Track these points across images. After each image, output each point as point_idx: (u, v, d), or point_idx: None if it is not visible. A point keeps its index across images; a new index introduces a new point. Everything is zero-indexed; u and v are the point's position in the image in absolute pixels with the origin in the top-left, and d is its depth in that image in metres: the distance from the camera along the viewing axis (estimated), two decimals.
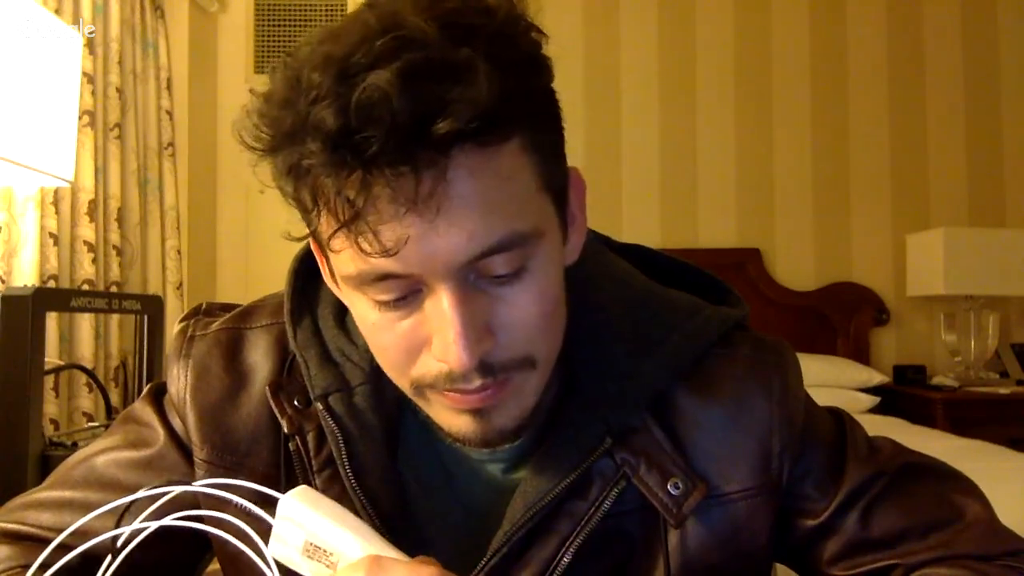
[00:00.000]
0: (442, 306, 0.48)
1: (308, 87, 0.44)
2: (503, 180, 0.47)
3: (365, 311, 0.51)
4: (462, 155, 0.44)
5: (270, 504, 0.45)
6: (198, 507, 0.58)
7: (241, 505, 0.45)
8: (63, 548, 0.45)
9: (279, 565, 0.43)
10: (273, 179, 0.50)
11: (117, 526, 0.44)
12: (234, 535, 0.43)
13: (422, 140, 0.43)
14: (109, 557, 0.44)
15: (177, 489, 0.45)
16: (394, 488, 0.58)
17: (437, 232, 0.45)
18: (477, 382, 0.50)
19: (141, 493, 0.45)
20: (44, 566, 0.60)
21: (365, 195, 0.44)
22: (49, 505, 0.64)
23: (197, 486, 0.45)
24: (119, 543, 0.44)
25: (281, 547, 0.44)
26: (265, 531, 0.44)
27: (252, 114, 0.48)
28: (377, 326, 0.51)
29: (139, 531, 0.44)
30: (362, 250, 0.45)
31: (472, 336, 0.48)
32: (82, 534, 0.46)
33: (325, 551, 0.43)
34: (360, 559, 0.42)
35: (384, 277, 0.47)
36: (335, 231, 0.46)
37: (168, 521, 0.44)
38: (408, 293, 0.49)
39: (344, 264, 0.49)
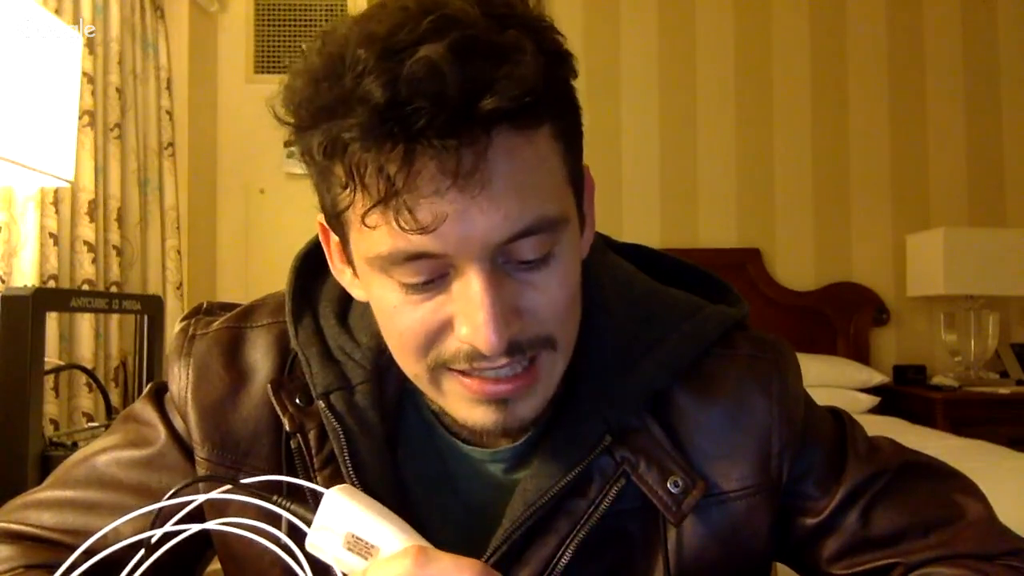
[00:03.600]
0: (472, 288, 0.48)
1: (353, 62, 0.44)
2: (537, 163, 0.48)
3: (386, 295, 0.51)
4: (501, 135, 0.45)
5: (273, 501, 0.45)
6: (200, 507, 0.58)
7: (248, 503, 0.46)
8: (73, 550, 0.46)
9: (288, 565, 0.43)
10: (301, 157, 0.50)
11: (152, 528, 0.45)
12: (264, 538, 0.43)
13: (468, 116, 0.43)
14: (134, 560, 0.45)
15: (202, 497, 0.46)
16: (395, 486, 0.58)
17: (480, 209, 0.45)
18: (502, 361, 0.50)
19: (175, 497, 0.46)
20: (46, 567, 0.60)
21: (407, 170, 0.44)
22: (50, 505, 0.64)
23: (236, 484, 0.46)
24: (145, 547, 0.45)
25: (323, 539, 0.45)
26: (276, 526, 0.45)
27: (286, 90, 0.48)
28: (398, 309, 0.51)
29: (164, 535, 0.45)
30: (400, 226, 0.45)
31: (501, 319, 0.48)
32: (100, 538, 0.46)
33: (367, 543, 0.44)
34: (407, 547, 0.43)
35: (416, 256, 0.47)
36: (372, 207, 0.46)
37: (209, 525, 0.45)
38: (436, 276, 0.49)
39: (376, 243, 0.48)
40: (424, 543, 0.45)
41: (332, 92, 0.45)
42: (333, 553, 0.45)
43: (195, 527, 0.45)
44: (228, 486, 0.47)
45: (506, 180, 0.46)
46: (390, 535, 0.44)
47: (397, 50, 0.43)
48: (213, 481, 0.60)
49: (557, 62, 0.48)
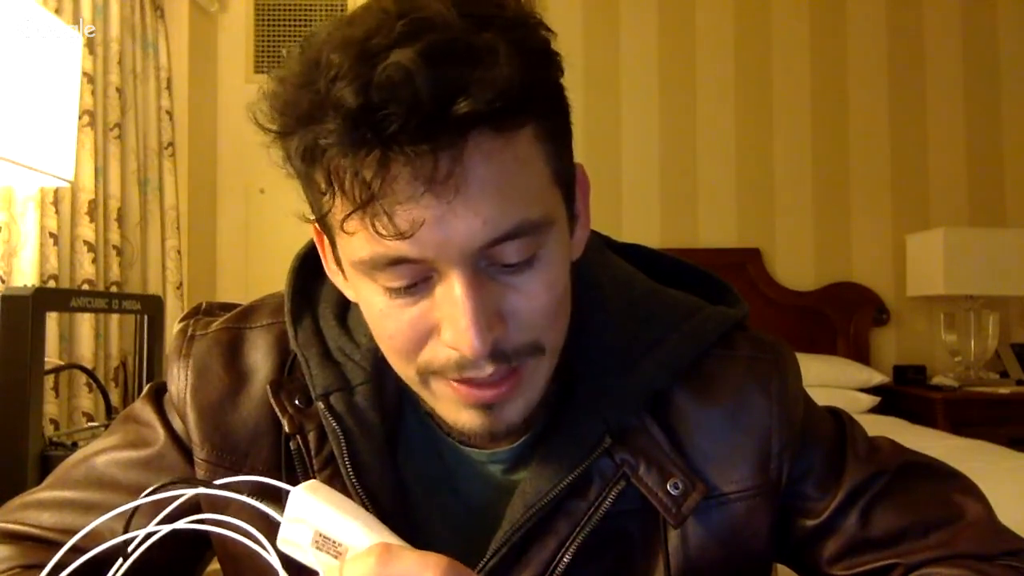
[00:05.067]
0: (454, 293, 0.47)
1: (327, 67, 0.44)
2: (518, 166, 0.47)
3: (372, 298, 0.51)
4: (479, 139, 0.45)
5: (273, 501, 0.45)
6: (200, 506, 0.58)
7: (246, 503, 0.45)
8: (74, 551, 0.45)
9: (287, 560, 0.43)
10: (284, 163, 0.50)
11: (126, 529, 0.45)
12: (242, 535, 0.43)
13: (442, 120, 0.43)
14: (120, 560, 0.44)
15: (189, 492, 0.46)
16: (394, 487, 0.58)
17: (455, 214, 0.45)
18: (489, 369, 0.50)
19: (151, 496, 0.45)
20: (44, 567, 0.59)
21: (383, 175, 0.44)
22: (49, 505, 0.64)
23: (211, 485, 0.45)
24: (130, 546, 0.44)
25: (292, 538, 0.44)
26: (271, 528, 0.44)
27: (267, 97, 0.48)
28: (384, 313, 0.51)
29: (148, 534, 0.44)
30: (377, 232, 0.45)
31: (484, 323, 0.48)
32: (89, 536, 0.46)
33: (335, 542, 0.44)
34: (371, 546, 0.42)
35: (397, 262, 0.47)
36: (350, 213, 0.46)
37: (180, 525, 0.44)
38: (419, 280, 0.49)
39: (356, 248, 0.48)
40: (393, 539, 0.44)
41: (308, 97, 0.45)
42: (304, 552, 0.44)
43: (167, 527, 0.44)
44: (197, 488, 0.46)
45: (484, 184, 0.45)
46: (356, 533, 0.44)
47: (371, 55, 0.43)
48: (188, 484, 0.59)
49: (540, 61, 0.48)
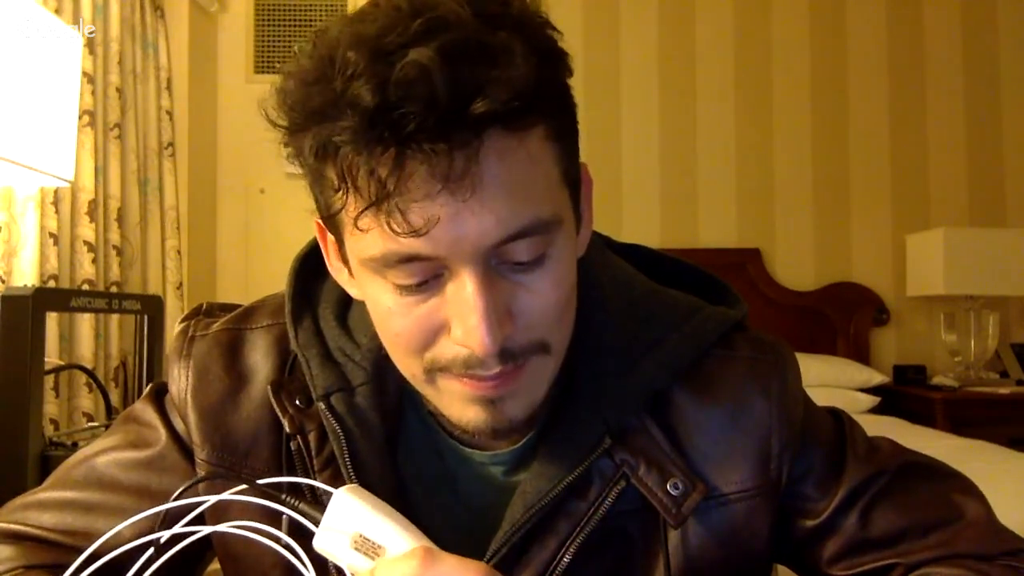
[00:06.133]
0: (466, 291, 0.48)
1: (343, 65, 0.44)
2: (530, 165, 0.47)
3: (381, 295, 0.51)
4: (493, 138, 0.45)
5: (282, 501, 0.46)
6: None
7: (251, 502, 0.46)
8: (76, 551, 0.46)
9: (289, 565, 0.44)
10: (294, 159, 0.50)
11: (159, 529, 0.45)
12: (268, 539, 0.43)
13: (459, 119, 0.43)
14: (142, 560, 0.45)
15: (214, 498, 0.46)
16: (395, 487, 0.58)
17: (470, 212, 0.45)
18: (496, 368, 0.50)
19: (177, 501, 0.46)
20: (46, 567, 0.59)
21: (398, 173, 0.44)
22: (50, 505, 0.64)
23: (252, 484, 0.46)
24: (151, 549, 0.45)
25: (330, 539, 0.45)
26: (277, 526, 0.45)
27: (277, 92, 0.48)
28: (392, 311, 0.51)
29: (168, 536, 0.45)
30: (392, 230, 0.45)
31: (494, 320, 0.48)
32: (90, 538, 0.46)
33: (375, 544, 0.44)
34: (414, 548, 0.43)
35: (409, 259, 0.47)
36: (364, 209, 0.46)
37: (222, 528, 0.45)
38: (430, 277, 0.49)
39: (368, 245, 0.48)
40: (430, 544, 0.45)
41: (323, 95, 0.45)
42: (340, 553, 0.45)
43: (205, 529, 0.45)
44: (241, 486, 0.47)
45: (498, 183, 0.45)
46: (397, 536, 0.45)
47: (387, 53, 0.43)
48: (220, 480, 0.60)
49: (550, 62, 0.48)
